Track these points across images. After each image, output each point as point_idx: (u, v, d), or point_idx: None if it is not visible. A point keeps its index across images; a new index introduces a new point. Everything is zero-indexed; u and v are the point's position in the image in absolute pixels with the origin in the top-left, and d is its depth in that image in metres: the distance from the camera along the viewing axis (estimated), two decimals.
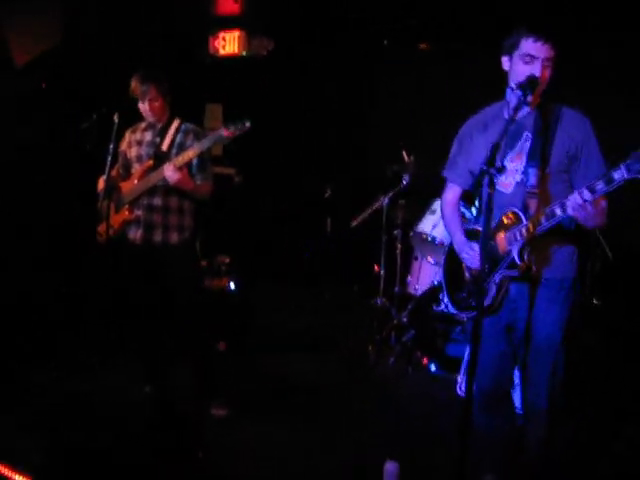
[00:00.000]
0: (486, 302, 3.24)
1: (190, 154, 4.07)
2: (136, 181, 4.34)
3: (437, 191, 5.60)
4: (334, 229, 6.62)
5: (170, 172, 4.07)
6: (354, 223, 5.73)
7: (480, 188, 3.38)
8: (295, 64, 6.89)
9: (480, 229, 3.23)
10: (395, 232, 5.81)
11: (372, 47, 6.81)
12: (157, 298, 4.42)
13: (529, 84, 2.98)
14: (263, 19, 6.51)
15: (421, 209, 5.73)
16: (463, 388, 4.75)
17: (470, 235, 3.40)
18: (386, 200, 5.63)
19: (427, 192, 5.73)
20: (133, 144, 4.44)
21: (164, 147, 4.34)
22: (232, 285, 5.45)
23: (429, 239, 5.33)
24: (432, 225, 5.32)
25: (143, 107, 4.30)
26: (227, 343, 5.25)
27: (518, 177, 3.16)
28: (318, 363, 5.32)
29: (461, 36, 6.23)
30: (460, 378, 4.75)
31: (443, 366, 5.06)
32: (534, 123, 3.15)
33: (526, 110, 3.16)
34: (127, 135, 4.51)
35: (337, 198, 6.56)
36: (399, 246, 5.74)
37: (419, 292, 5.69)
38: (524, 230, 3.04)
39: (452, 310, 3.47)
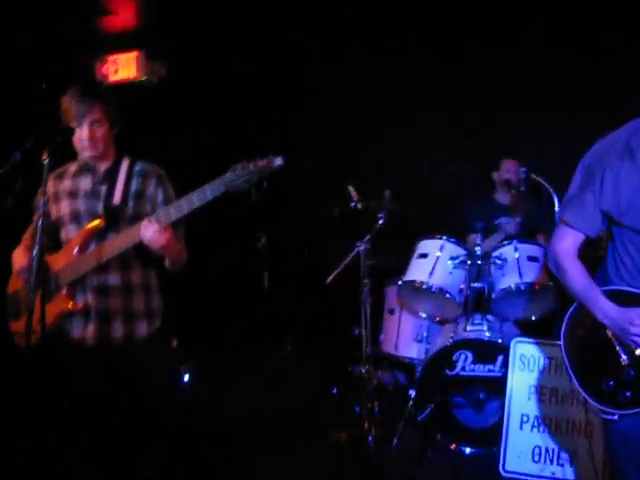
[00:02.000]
0: None
1: (185, 206, 2.82)
2: (75, 251, 3.01)
3: (415, 231, 4.87)
4: (273, 283, 5.47)
5: (154, 233, 2.80)
6: (330, 278, 4.69)
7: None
8: (201, 93, 5.67)
9: (634, 290, 2.45)
10: (364, 281, 4.83)
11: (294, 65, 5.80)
12: (116, 417, 3.10)
13: None
14: (160, 38, 5.25)
15: (394, 253, 4.82)
16: (507, 468, 3.84)
17: (617, 300, 2.49)
18: (362, 246, 4.63)
19: (399, 233, 4.86)
20: (63, 197, 3.10)
21: (116, 199, 3.05)
22: (186, 377, 4.15)
23: (424, 287, 4.38)
24: (428, 272, 4.37)
25: (80, 136, 2.98)
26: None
27: None
28: (305, 456, 4.14)
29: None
30: (501, 454, 3.84)
31: (473, 442, 4.14)
32: None
33: None
34: (50, 183, 3.14)
35: (273, 247, 5.44)
36: (368, 299, 4.76)
37: (401, 351, 4.73)
38: None
39: (595, 405, 2.53)
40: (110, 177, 3.08)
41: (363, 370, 4.64)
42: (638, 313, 2.39)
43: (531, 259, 4.28)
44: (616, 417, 2.46)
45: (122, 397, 3.04)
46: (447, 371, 4.19)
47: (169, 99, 5.67)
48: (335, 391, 4.97)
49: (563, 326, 2.64)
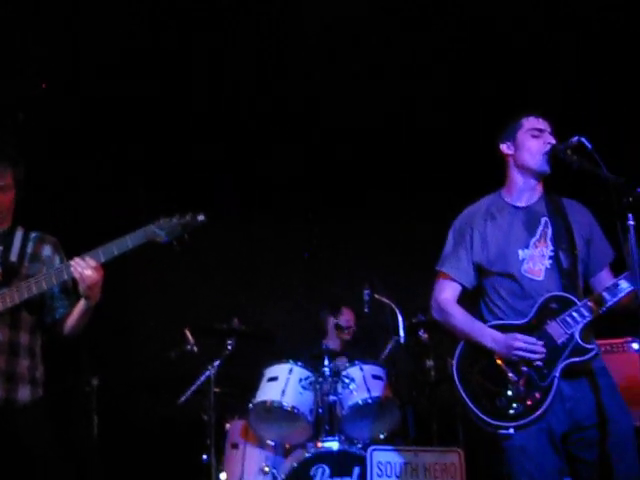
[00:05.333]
0: (546, 404, 2.75)
1: (115, 249, 2.82)
2: None
3: (259, 359, 4.95)
4: (102, 429, 5.09)
5: (89, 268, 2.76)
6: (182, 399, 4.58)
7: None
8: None
9: (515, 322, 2.90)
10: (205, 417, 4.75)
11: None
12: None
13: (577, 147, 2.87)
14: None
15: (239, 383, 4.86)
16: None
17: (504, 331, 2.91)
18: (213, 371, 4.64)
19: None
20: None
21: (13, 257, 2.97)
22: None
23: (275, 406, 4.41)
24: (280, 392, 4.43)
25: None
26: None
27: (547, 262, 2.95)
28: None
29: None
30: None
31: None
32: (547, 209, 3.05)
33: (535, 197, 3.09)
34: None
35: (105, 391, 5.16)
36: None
37: None
38: (584, 310, 2.80)
39: (492, 422, 2.80)
40: (5, 240, 3.01)
41: None
42: (517, 334, 2.83)
43: (375, 377, 4.56)
44: (511, 431, 2.75)
45: None
46: None
47: None
48: None
49: (454, 362, 2.97)
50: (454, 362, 2.96)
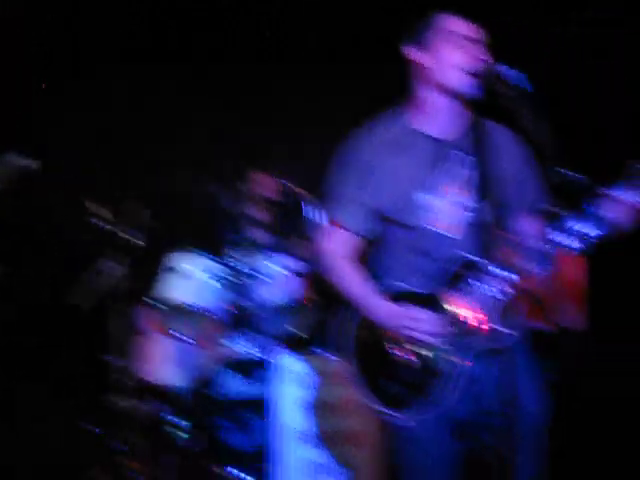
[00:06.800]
0: (448, 391, 2.28)
1: None
2: None
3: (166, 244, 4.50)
4: None
5: None
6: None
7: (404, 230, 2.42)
8: None
9: (414, 290, 2.36)
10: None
11: None
12: None
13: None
14: None
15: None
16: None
17: (400, 300, 2.38)
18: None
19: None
20: None
21: None
22: None
23: (185, 307, 4.06)
24: (187, 290, 4.06)
25: None
26: None
27: (463, 213, 2.35)
28: None
29: None
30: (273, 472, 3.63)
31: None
32: (469, 141, 2.36)
33: (455, 124, 2.39)
34: None
35: None
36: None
37: (159, 378, 4.28)
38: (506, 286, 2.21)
39: (385, 411, 2.39)
40: None
41: (124, 402, 4.18)
42: (413, 309, 2.32)
43: (296, 274, 4.18)
44: (412, 423, 2.34)
45: None
46: (215, 394, 3.88)
47: None
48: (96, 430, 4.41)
49: (353, 332, 2.51)
50: (352, 332, 2.49)
